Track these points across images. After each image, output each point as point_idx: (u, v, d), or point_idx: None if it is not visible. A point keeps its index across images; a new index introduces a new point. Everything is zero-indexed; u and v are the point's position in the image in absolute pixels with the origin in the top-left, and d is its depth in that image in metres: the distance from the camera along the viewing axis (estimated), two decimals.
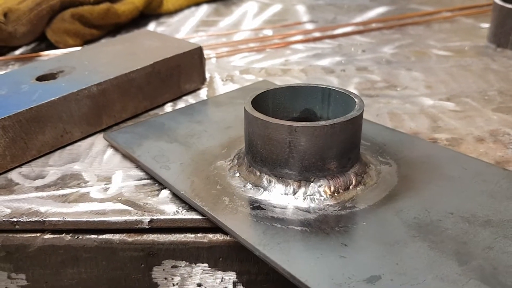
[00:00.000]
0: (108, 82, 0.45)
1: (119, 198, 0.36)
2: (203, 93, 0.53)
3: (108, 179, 0.38)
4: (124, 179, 0.38)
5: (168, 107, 0.50)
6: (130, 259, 0.34)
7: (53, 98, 0.41)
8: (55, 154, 0.42)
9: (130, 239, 0.34)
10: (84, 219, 0.34)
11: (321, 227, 0.31)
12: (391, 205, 0.32)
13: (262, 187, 0.34)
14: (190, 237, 0.33)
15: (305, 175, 0.33)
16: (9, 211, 0.35)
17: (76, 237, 0.34)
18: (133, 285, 0.35)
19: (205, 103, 0.49)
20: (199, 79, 0.53)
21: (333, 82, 0.55)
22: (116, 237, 0.34)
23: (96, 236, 0.34)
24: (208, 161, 0.38)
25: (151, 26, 0.77)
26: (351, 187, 0.34)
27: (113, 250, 0.34)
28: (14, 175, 0.39)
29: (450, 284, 0.26)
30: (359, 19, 0.77)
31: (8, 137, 0.39)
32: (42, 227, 0.34)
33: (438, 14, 0.77)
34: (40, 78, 0.46)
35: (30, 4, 0.63)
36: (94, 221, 0.34)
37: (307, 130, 0.32)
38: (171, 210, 0.34)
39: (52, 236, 0.34)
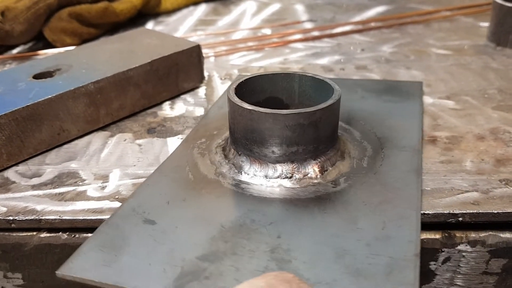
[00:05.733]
0: (105, 80, 0.44)
1: (116, 197, 0.36)
2: (201, 92, 0.53)
3: (105, 178, 0.38)
4: (122, 177, 0.38)
5: (166, 106, 0.50)
6: None
7: (49, 96, 0.41)
8: (52, 152, 0.42)
9: None
10: (81, 218, 0.34)
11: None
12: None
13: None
14: None
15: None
16: (5, 209, 0.35)
17: (72, 235, 0.34)
18: None
19: None
20: (198, 78, 0.53)
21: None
22: None
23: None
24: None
25: (149, 25, 0.77)
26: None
27: None
28: (10, 173, 0.39)
29: None
30: (358, 18, 0.76)
31: (4, 135, 0.39)
32: (38, 225, 0.34)
33: (437, 13, 0.77)
34: (37, 76, 0.45)
35: (27, 3, 0.63)
36: (91, 220, 0.34)
37: (242, 111, 0.35)
38: None
39: (48, 234, 0.34)
